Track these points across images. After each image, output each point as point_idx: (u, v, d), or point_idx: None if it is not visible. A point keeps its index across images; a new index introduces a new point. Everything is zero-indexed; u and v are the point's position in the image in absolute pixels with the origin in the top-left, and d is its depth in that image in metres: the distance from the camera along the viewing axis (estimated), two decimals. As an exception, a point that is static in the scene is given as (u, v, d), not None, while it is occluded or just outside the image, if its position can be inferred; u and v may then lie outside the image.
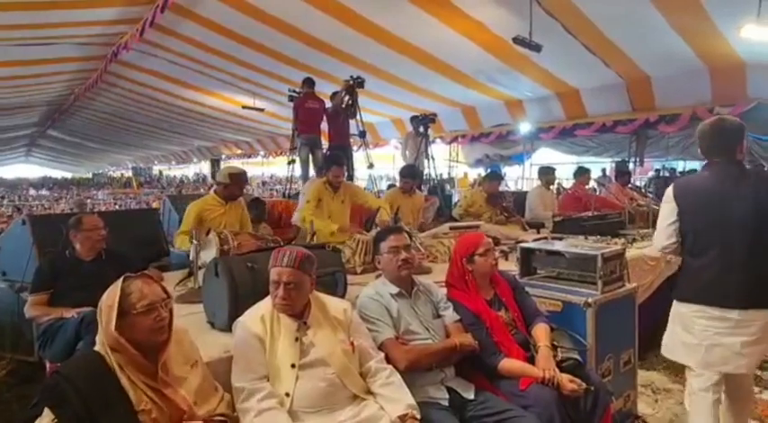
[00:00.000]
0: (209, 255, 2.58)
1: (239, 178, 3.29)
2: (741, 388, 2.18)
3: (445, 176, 12.00)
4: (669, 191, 2.22)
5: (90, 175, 30.67)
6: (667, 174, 12.19)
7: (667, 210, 2.18)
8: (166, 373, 1.50)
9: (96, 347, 1.50)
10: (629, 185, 6.10)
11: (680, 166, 12.58)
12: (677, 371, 3.21)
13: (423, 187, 6.01)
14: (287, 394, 1.65)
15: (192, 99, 13.15)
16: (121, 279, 1.52)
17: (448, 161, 13.22)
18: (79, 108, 15.47)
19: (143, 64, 10.44)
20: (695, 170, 11.99)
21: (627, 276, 2.80)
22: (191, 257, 2.61)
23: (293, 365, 1.68)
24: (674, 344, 2.21)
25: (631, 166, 10.61)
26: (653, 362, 3.35)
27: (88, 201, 12.70)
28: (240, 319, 1.78)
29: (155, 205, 9.52)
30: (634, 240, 3.94)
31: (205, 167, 23.87)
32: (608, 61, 8.19)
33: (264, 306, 1.80)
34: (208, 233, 2.64)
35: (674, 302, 2.19)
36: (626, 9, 6.50)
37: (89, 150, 25.33)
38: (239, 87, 11.23)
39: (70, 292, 2.50)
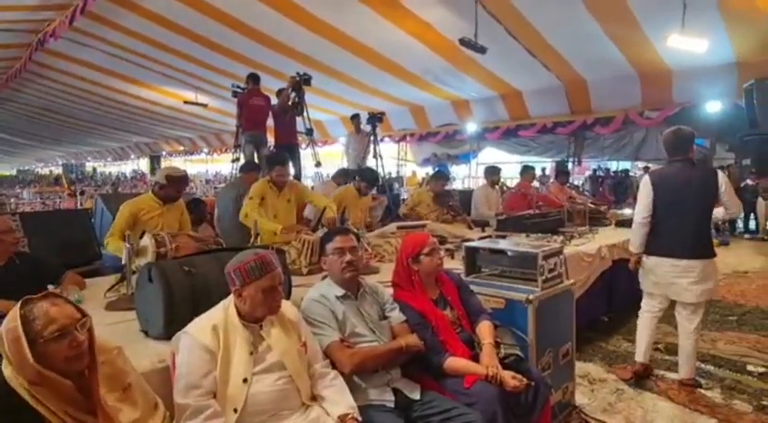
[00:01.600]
0: (144, 259, 2.43)
1: (177, 181, 3.11)
2: (692, 313, 2.98)
3: (394, 175, 12.08)
4: (647, 178, 3.06)
5: (14, 172, 28.42)
6: (602, 173, 12.89)
7: (645, 191, 2.98)
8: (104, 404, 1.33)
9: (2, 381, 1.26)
10: (568, 184, 6.37)
11: (614, 166, 13.32)
12: (611, 361, 3.40)
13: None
14: (234, 410, 1.57)
15: (129, 93, 12.46)
16: (18, 304, 1.29)
17: (396, 160, 13.31)
18: (2, 100, 14.28)
19: (75, 54, 9.77)
20: (627, 170, 12.77)
21: (565, 273, 2.91)
22: (123, 261, 2.45)
23: (245, 380, 1.61)
24: (646, 282, 3.09)
25: (570, 165, 11.14)
26: (589, 354, 3.52)
27: (12, 200, 11.71)
28: (187, 329, 1.66)
29: (87, 205, 8.93)
30: (572, 237, 4.11)
31: (144, 164, 22.73)
32: (548, 65, 8.54)
33: (217, 315, 1.70)
34: (142, 235, 2.49)
35: (644, 256, 3.03)
36: (564, 15, 6.79)
37: (14, 146, 23.49)
38: (181, 81, 10.77)
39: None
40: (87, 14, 6.92)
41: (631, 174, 12.43)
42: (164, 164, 19.52)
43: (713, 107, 8.53)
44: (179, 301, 1.92)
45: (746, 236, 9.35)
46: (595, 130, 10.31)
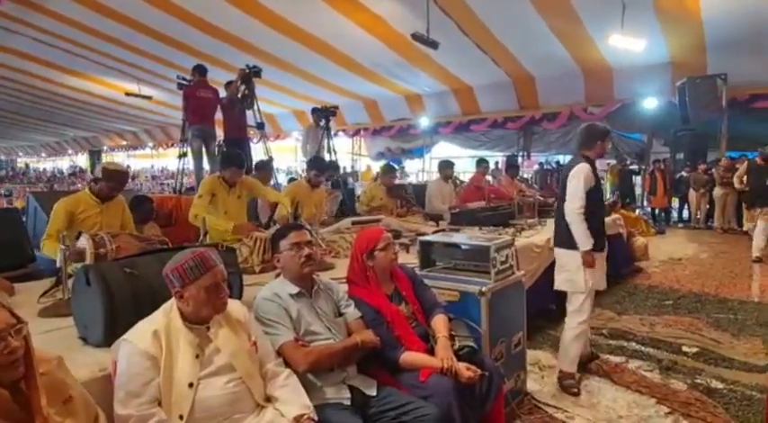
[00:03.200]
0: (82, 262, 2.28)
1: (114, 176, 2.92)
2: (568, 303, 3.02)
3: (349, 170, 12.02)
4: (587, 167, 2.91)
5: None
6: (550, 167, 13.34)
7: (581, 184, 2.83)
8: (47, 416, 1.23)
9: None
10: (518, 178, 6.55)
11: (562, 160, 13.82)
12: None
13: (327, 181, 5.93)
14: (180, 417, 1.50)
15: (66, 84, 11.70)
16: None
17: (351, 154, 13.24)
18: None
19: (1, 42, 9.04)
20: (573, 164, 13.30)
21: (516, 264, 2.99)
22: (58, 264, 2.28)
23: (191, 385, 1.54)
24: (576, 279, 2.88)
25: (520, 159, 11.46)
26: (539, 341, 3.64)
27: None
28: (126, 337, 1.56)
29: (17, 204, 8.32)
30: (522, 229, 4.23)
31: (82, 160, 21.45)
32: (498, 61, 8.74)
33: (158, 320, 1.61)
34: (78, 236, 2.33)
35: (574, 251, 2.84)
36: (513, 13, 6.96)
37: (-69, 140, 21.54)
38: (122, 72, 10.23)
39: None
40: (15, -1, 6.43)
41: (577, 167, 12.98)
42: (105, 159, 18.52)
43: (650, 104, 9.04)
44: (120, 306, 1.81)
45: (680, 225, 9.98)
46: (543, 125, 10.68)
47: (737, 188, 7.38)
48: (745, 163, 7.15)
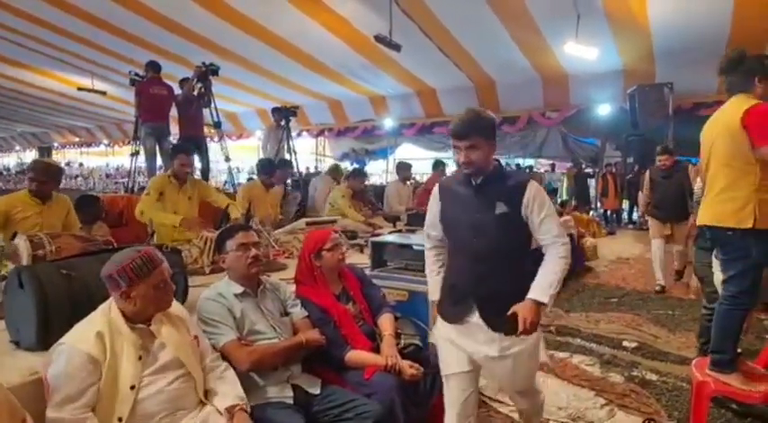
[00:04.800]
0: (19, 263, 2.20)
1: (42, 172, 2.82)
2: None
3: (312, 170, 11.95)
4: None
5: None
6: (511, 169, 13.69)
7: None
8: None
9: None
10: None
11: (522, 163, 14.19)
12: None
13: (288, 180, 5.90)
14: (119, 420, 1.49)
15: (12, 77, 11.15)
16: None
17: (315, 155, 13.17)
18: None
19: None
20: (532, 166, 13.69)
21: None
22: (-9, 266, 2.20)
23: (132, 387, 1.52)
24: None
25: (481, 161, 11.66)
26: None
27: None
28: (65, 340, 1.52)
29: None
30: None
31: (31, 157, 20.45)
32: (460, 65, 8.90)
33: (98, 321, 1.58)
34: (14, 237, 2.25)
35: None
36: (475, 19, 7.10)
37: None
38: (75, 66, 9.82)
39: None
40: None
41: (535, 170, 13.34)
42: (55, 157, 17.74)
43: (603, 110, 9.41)
44: (54, 308, 1.77)
45: (630, 226, 10.43)
46: (503, 128, 10.91)
47: (643, 202, 5.79)
48: (646, 173, 5.69)
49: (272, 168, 4.55)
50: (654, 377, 3.02)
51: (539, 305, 1.64)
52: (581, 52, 7.19)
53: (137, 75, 5.78)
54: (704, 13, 6.24)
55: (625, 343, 3.61)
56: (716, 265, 2.48)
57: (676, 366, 3.19)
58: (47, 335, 1.74)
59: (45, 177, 2.86)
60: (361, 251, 3.51)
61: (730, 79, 2.25)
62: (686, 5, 6.19)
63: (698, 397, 2.24)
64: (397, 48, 6.98)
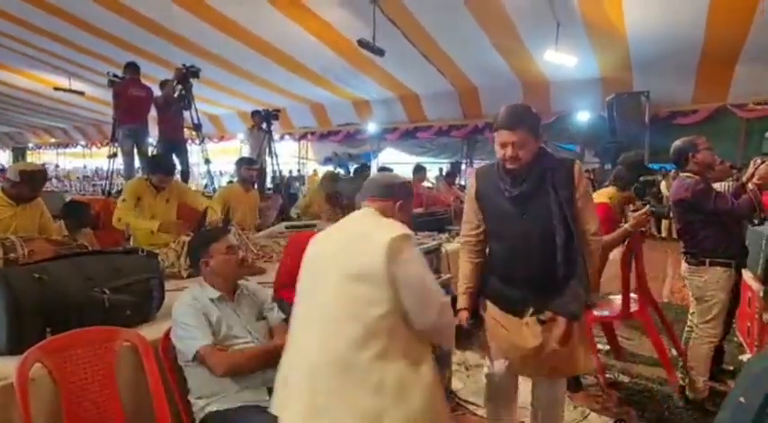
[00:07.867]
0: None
1: (32, 178, 2.78)
2: None
3: (295, 174, 11.92)
4: None
5: None
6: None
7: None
8: None
9: None
10: (455, 185, 6.77)
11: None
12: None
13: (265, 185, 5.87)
14: None
15: (-17, 74, 10.86)
16: None
17: (297, 158, 13.14)
18: None
19: None
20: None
21: (447, 268, 3.12)
22: (-39, 269, 2.15)
23: None
24: None
25: (464, 167, 11.80)
26: (468, 341, 3.78)
27: None
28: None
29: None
30: (457, 234, 4.38)
31: (4, 158, 19.95)
32: (443, 70, 8.99)
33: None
34: (-14, 240, 2.21)
35: None
36: (457, 26, 7.19)
37: None
38: (51, 65, 9.63)
39: None
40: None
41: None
42: (30, 158, 17.34)
43: (582, 117, 9.60)
44: (26, 312, 1.74)
45: (609, 231, 10.64)
46: (486, 134, 11.04)
47: None
48: None
49: (254, 161, 4.50)
50: (626, 379, 3.10)
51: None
52: (560, 60, 7.34)
53: (115, 76, 5.71)
54: (679, 22, 6.41)
55: (599, 346, 3.68)
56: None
57: (647, 368, 3.28)
58: (18, 339, 1.72)
59: (38, 183, 2.83)
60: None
61: None
62: (662, 15, 6.36)
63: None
64: (380, 52, 7.03)
